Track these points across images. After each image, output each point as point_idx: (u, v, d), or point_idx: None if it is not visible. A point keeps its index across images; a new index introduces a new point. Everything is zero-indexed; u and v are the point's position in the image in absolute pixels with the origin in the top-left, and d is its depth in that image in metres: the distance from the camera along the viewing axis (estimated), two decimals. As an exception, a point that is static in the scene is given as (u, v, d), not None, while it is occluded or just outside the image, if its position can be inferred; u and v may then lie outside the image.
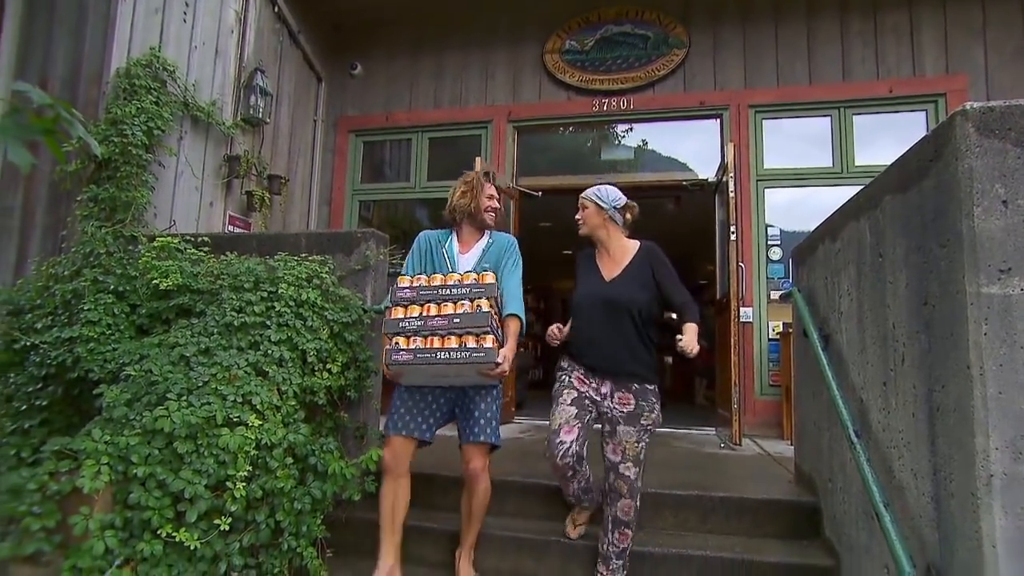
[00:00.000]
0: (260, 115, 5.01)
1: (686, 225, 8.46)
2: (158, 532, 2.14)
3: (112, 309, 3.05)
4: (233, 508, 2.27)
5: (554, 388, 2.66)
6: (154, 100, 3.83)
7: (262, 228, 5.09)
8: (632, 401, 2.51)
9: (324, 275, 3.20)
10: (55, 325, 3.05)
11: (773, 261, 5.25)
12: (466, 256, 2.74)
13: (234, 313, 2.86)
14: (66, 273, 3.24)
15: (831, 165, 5.32)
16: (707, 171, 5.61)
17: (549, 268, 10.81)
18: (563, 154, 6.16)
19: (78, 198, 3.60)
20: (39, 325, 3.09)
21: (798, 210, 5.32)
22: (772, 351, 5.08)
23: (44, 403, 3.01)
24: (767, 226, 5.31)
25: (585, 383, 2.59)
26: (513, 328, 2.56)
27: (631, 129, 5.95)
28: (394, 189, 6.28)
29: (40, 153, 3.92)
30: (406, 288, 2.53)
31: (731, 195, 4.53)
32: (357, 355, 3.19)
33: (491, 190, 2.80)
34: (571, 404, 2.54)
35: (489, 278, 2.48)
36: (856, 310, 2.35)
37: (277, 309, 2.93)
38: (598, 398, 2.57)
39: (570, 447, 2.47)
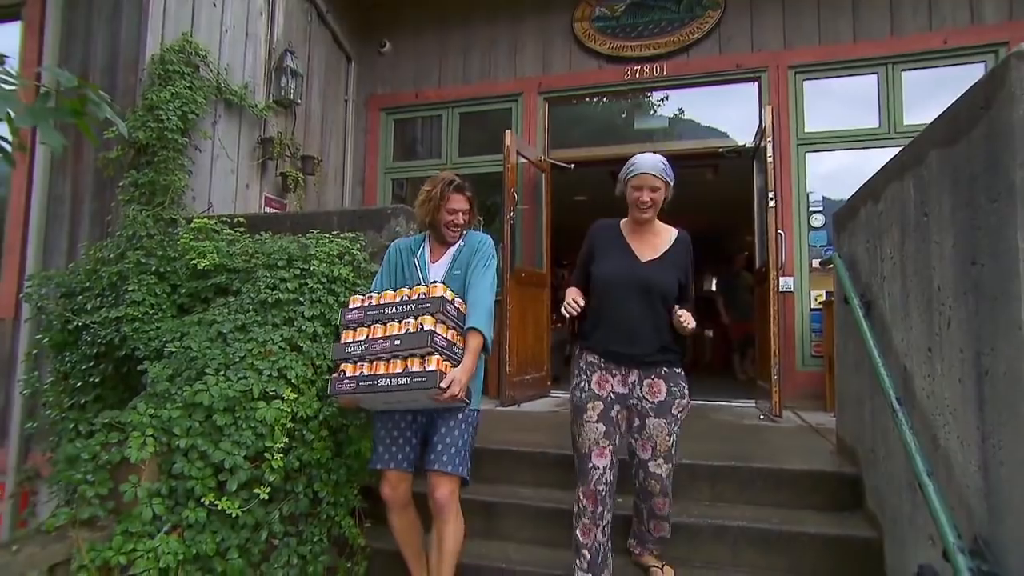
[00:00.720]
0: (291, 96, 5.06)
1: (725, 195, 8.22)
2: (201, 500, 2.23)
3: (154, 289, 3.15)
4: (272, 478, 2.34)
5: (572, 392, 2.41)
6: (187, 85, 3.90)
7: (297, 209, 5.17)
8: (663, 387, 2.33)
9: (355, 251, 3.24)
10: (103, 306, 3.18)
11: (815, 228, 5.05)
12: (436, 265, 2.49)
13: (268, 290, 2.92)
14: (111, 256, 3.37)
15: (877, 126, 5.06)
16: (746, 138, 5.41)
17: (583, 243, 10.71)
18: (595, 125, 6.04)
19: (120, 183, 3.71)
20: (89, 306, 3.22)
21: (844, 176, 5.09)
22: (815, 321, 4.92)
23: (97, 380, 3.15)
24: (808, 192, 5.10)
25: (608, 381, 2.36)
26: (472, 344, 2.22)
27: (666, 98, 5.78)
28: (426, 166, 6.28)
29: (85, 141, 4.06)
30: (355, 309, 2.32)
31: (769, 160, 4.36)
32: (389, 330, 3.22)
33: (457, 202, 2.45)
34: (599, 420, 2.31)
35: (437, 290, 2.23)
36: (899, 273, 2.24)
37: (310, 285, 2.98)
38: (624, 390, 2.36)
39: (604, 473, 2.28)
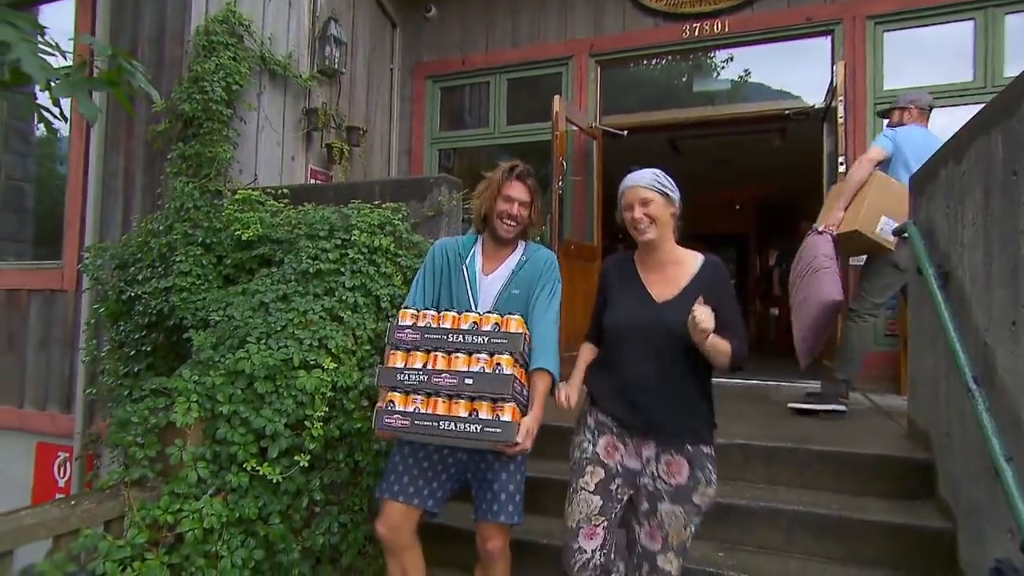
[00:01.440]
0: (336, 66, 5.13)
1: (792, 161, 7.87)
2: (244, 466, 2.34)
3: (201, 260, 3.29)
4: (312, 446, 2.42)
5: (572, 454, 2.05)
6: (231, 56, 4.00)
7: (343, 180, 5.27)
8: (684, 470, 1.90)
9: (397, 222, 3.29)
10: (153, 276, 3.35)
11: (892, 195, 4.76)
12: (490, 278, 2.19)
13: (310, 261, 3.00)
14: (161, 228, 3.54)
15: (971, 79, 4.69)
16: (817, 99, 5.14)
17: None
18: (651, 88, 5.85)
19: (168, 156, 3.87)
20: (140, 277, 3.41)
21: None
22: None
23: (149, 348, 3.34)
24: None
25: (617, 449, 1.98)
26: (541, 388, 2.02)
27: (730, 58, 5.53)
28: (473, 136, 6.27)
29: (134, 118, 4.24)
30: (408, 328, 2.04)
31: (840, 121, 4.13)
32: (431, 302, 3.26)
33: (516, 190, 2.17)
34: (595, 491, 1.93)
35: (515, 324, 1.99)
36: (981, 240, 2.08)
37: (351, 256, 3.04)
38: (635, 465, 1.96)
39: (592, 558, 1.89)
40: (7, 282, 4.70)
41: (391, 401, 1.98)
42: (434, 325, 2.03)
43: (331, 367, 2.59)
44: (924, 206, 2.79)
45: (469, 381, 1.92)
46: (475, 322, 2.02)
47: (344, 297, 2.92)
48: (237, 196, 3.48)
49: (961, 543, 2.30)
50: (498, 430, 1.87)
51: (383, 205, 3.40)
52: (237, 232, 3.27)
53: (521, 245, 2.27)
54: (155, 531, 2.18)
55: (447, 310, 2.07)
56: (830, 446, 2.88)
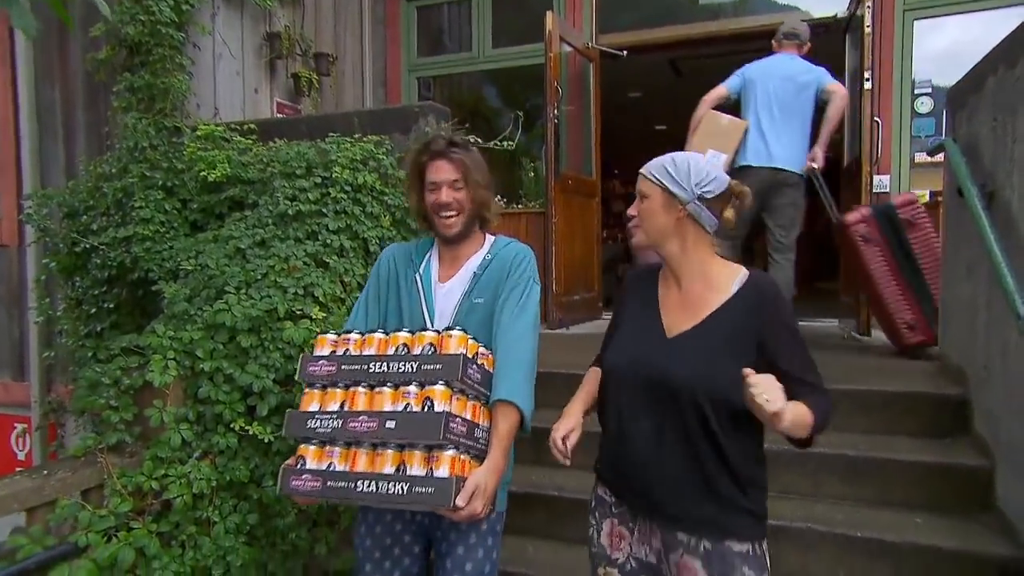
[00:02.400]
0: (297, -18, 4.88)
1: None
2: (231, 426, 2.32)
3: (163, 206, 3.19)
4: (304, 403, 2.40)
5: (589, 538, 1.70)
6: (179, -31, 3.78)
7: (314, 113, 5.10)
8: (699, 574, 1.46)
9: (381, 156, 3.20)
10: (110, 225, 3.25)
11: (921, 115, 4.72)
12: (447, 286, 1.85)
13: (287, 202, 2.92)
14: (114, 171, 3.40)
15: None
16: (837, 10, 5.01)
17: (639, 149, 10.42)
18: (652, 3, 5.68)
19: (114, 89, 3.70)
20: (95, 226, 3.30)
21: (963, 55, 4.61)
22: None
23: (111, 306, 3.27)
24: (913, 76, 4.73)
25: (623, 538, 1.61)
26: (503, 429, 1.62)
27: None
28: (455, 62, 6.07)
29: (69, 45, 4.03)
30: (323, 359, 1.67)
31: (867, 31, 4.03)
32: (422, 244, 3.22)
33: (436, 171, 1.78)
34: None
35: (454, 343, 1.61)
36: (1035, 154, 2.06)
37: (332, 195, 2.96)
38: (649, 557, 1.58)
39: None
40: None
41: (301, 457, 1.63)
42: (354, 352, 1.67)
43: (319, 317, 2.55)
44: (965, 120, 2.75)
45: (391, 424, 1.54)
46: (405, 344, 1.64)
47: (329, 241, 2.86)
48: (198, 133, 3.35)
49: (999, 481, 2.36)
50: (429, 489, 1.49)
51: (364, 139, 3.30)
52: (202, 173, 3.15)
53: (487, 241, 1.90)
54: (139, 499, 2.17)
55: (395, 331, 1.69)
56: (853, 384, 2.93)
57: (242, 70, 4.54)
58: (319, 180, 3.01)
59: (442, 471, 1.51)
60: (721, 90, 3.76)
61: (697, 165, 1.51)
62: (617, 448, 1.57)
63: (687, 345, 1.50)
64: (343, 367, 1.65)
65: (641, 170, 1.57)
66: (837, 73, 4.96)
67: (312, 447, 1.64)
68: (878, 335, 4.27)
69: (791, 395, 1.34)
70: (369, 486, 1.53)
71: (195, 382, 2.37)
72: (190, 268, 2.72)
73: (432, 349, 1.62)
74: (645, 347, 1.55)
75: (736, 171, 3.57)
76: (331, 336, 1.73)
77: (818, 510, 2.58)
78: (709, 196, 1.49)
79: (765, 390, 1.27)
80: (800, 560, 2.47)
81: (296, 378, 1.65)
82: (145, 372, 2.28)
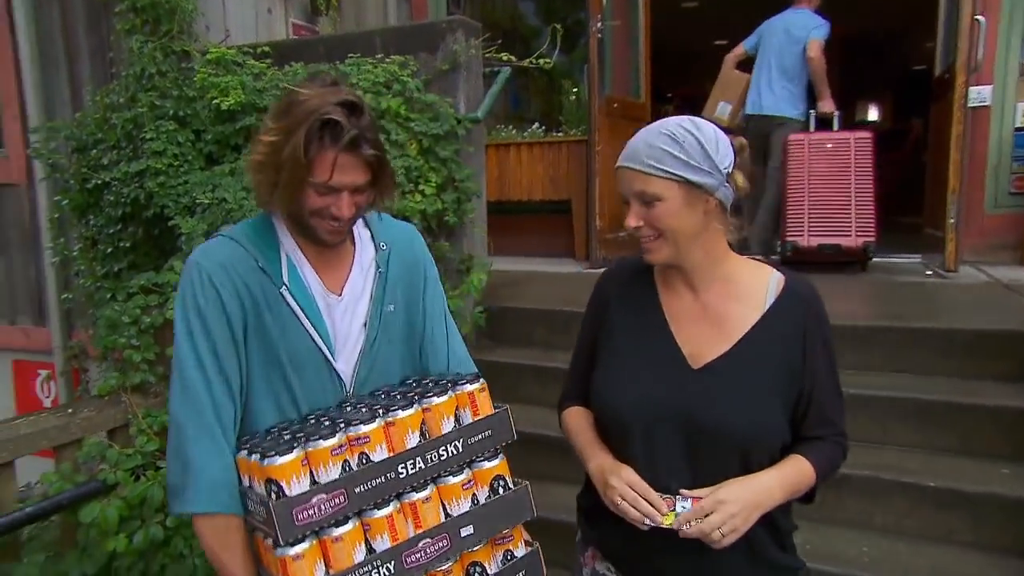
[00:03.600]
0: None
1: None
2: (255, 364, 2.44)
3: (175, 137, 3.28)
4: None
5: None
6: None
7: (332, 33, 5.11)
8: None
9: (406, 78, 3.22)
10: (121, 160, 3.36)
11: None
12: (345, 298, 1.37)
13: (306, 130, 2.97)
14: (121, 100, 3.50)
15: None
16: None
17: (696, 67, 10.10)
18: None
19: (116, 9, 3.75)
20: (106, 160, 3.42)
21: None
22: (1018, 146, 4.49)
23: (128, 245, 3.41)
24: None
25: None
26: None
27: None
28: (485, -29, 5.97)
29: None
30: (317, 494, 1.14)
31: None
32: (453, 174, 3.27)
33: (339, 172, 1.21)
34: None
35: (476, 395, 1.30)
36: None
37: (353, 122, 3.00)
38: None
39: None
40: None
41: None
42: (369, 459, 1.21)
43: (344, 252, 2.63)
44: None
45: (468, 531, 1.27)
46: (422, 425, 1.27)
47: (351, 171, 2.91)
48: (208, 57, 3.40)
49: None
50: (521, 572, 1.34)
51: (387, 59, 3.31)
52: (215, 101, 3.22)
53: (359, 226, 1.43)
54: (164, 438, 2.32)
55: (306, 419, 1.29)
56: (935, 323, 2.90)
57: (253, -13, 4.55)
58: (340, 105, 3.04)
59: (520, 548, 1.34)
60: (739, 49, 4.66)
61: (704, 131, 1.25)
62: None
63: (724, 380, 1.27)
64: (358, 489, 1.19)
65: (628, 165, 1.26)
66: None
67: None
68: (966, 271, 4.19)
69: (801, 437, 1.30)
70: None
71: (217, 320, 2.49)
72: (207, 202, 2.82)
73: (469, 419, 1.30)
74: (663, 381, 1.30)
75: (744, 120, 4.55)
76: (257, 459, 1.16)
77: (886, 457, 2.61)
78: (732, 168, 1.26)
79: (714, 527, 1.18)
80: (864, 510, 2.52)
81: (283, 541, 1.12)
82: (164, 311, 2.40)
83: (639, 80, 5.36)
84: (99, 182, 3.42)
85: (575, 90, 5.71)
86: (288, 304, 1.29)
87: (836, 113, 4.43)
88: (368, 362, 1.37)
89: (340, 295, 1.35)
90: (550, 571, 1.38)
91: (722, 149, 1.24)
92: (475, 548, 1.29)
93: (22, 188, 4.48)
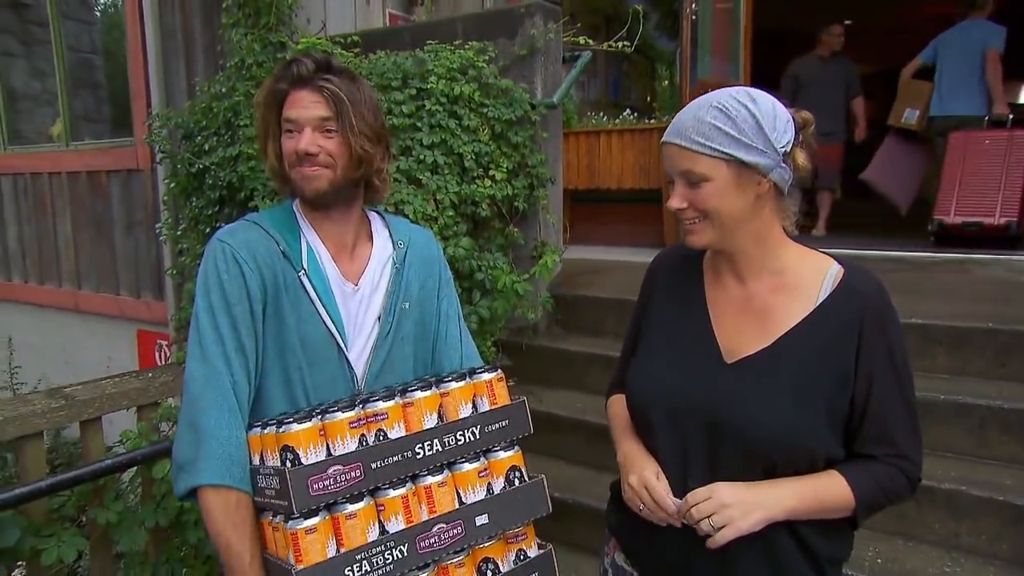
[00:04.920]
0: None
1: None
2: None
3: (267, 123, 3.41)
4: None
5: None
6: None
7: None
8: None
9: (481, 64, 3.20)
10: (220, 145, 3.53)
11: None
12: (361, 288, 1.37)
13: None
14: (224, 90, 3.68)
15: None
16: None
17: (799, 52, 9.52)
18: None
19: (223, 5, 3.95)
20: (207, 147, 3.61)
21: None
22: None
23: (223, 225, 3.59)
24: None
25: None
26: None
27: None
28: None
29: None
30: (332, 464, 1.12)
31: None
32: (525, 159, 3.23)
33: (296, 104, 1.28)
34: None
35: (492, 384, 1.30)
36: None
37: (427, 108, 3.02)
38: None
39: None
40: (86, 163, 5.21)
41: None
42: (386, 436, 1.19)
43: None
44: None
45: (483, 520, 1.22)
46: (438, 409, 1.25)
47: (422, 156, 2.93)
48: (299, 47, 3.51)
49: None
50: (535, 574, 1.30)
51: (466, 45, 3.30)
52: (302, 88, 3.33)
53: (374, 219, 1.46)
54: (236, 407, 2.43)
55: (313, 412, 1.19)
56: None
57: (353, -20, 4.67)
58: (414, 92, 3.07)
59: (533, 549, 1.30)
60: (916, 61, 5.03)
61: (761, 106, 1.11)
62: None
63: (757, 378, 1.16)
64: (375, 464, 1.16)
65: (674, 140, 1.14)
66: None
67: None
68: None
69: (855, 453, 1.16)
70: None
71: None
72: (284, 185, 2.91)
73: (485, 405, 1.28)
74: (693, 375, 1.21)
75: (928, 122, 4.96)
76: (271, 429, 1.17)
77: (980, 472, 2.38)
78: (791, 147, 1.12)
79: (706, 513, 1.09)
80: (948, 527, 2.29)
81: (296, 512, 1.09)
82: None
83: (738, 63, 5.09)
84: (201, 166, 3.62)
85: (668, 73, 5.52)
86: (305, 290, 1.29)
87: (1009, 116, 4.69)
88: (380, 356, 1.35)
89: (357, 285, 1.35)
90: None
91: (780, 125, 1.11)
92: (489, 542, 1.25)
93: (146, 173, 4.83)
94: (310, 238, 1.34)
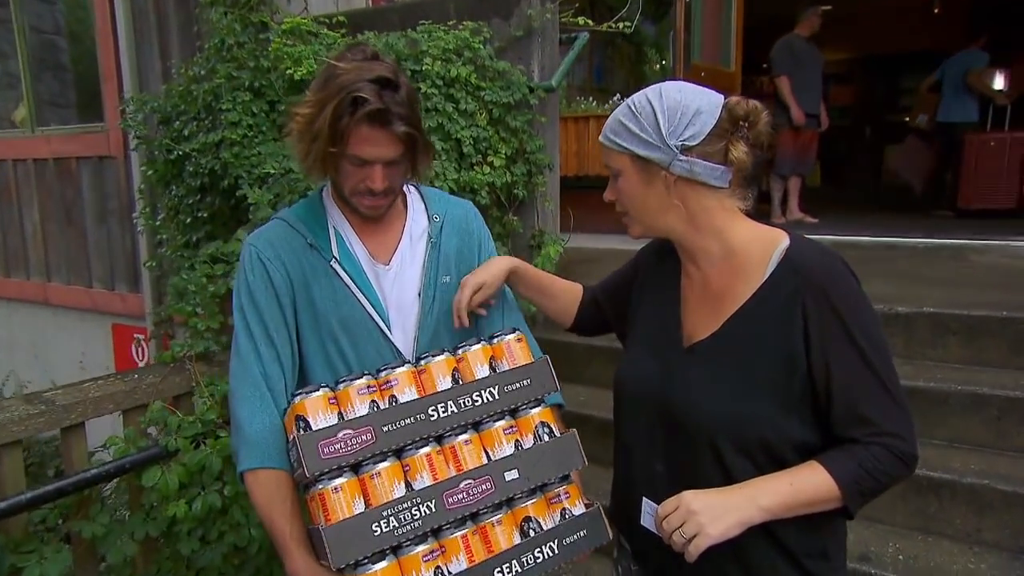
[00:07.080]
0: None
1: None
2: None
3: (250, 108, 3.23)
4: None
5: None
6: None
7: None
8: None
9: (477, 45, 3.08)
10: (200, 131, 3.35)
11: None
12: (394, 267, 1.37)
13: (374, 99, 2.87)
14: (203, 72, 3.48)
15: None
16: None
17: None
18: None
19: (200, -18, 3.76)
20: (187, 132, 3.42)
21: None
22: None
23: (205, 215, 3.41)
24: None
25: None
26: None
27: None
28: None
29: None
30: (344, 428, 1.15)
31: None
32: (524, 145, 3.12)
33: (368, 144, 1.22)
34: None
35: (515, 347, 1.32)
36: None
37: (423, 91, 2.90)
38: None
39: None
40: (53, 150, 4.96)
41: None
42: (397, 399, 1.21)
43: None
44: None
45: (513, 475, 1.21)
46: (455, 372, 1.26)
47: (419, 142, 2.80)
48: (283, 27, 3.34)
49: None
50: (581, 532, 1.25)
51: (459, 25, 3.16)
52: (288, 71, 3.15)
53: (411, 191, 1.46)
54: (225, 407, 2.28)
55: (348, 379, 1.22)
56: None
57: (334, -42, 4.48)
58: (408, 74, 2.92)
59: (578, 507, 1.28)
60: (931, 79, 6.38)
61: (666, 101, 1.10)
62: (625, 499, 1.26)
63: (703, 362, 1.13)
64: (387, 428, 1.16)
65: (601, 136, 1.19)
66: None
67: (385, 565, 1.11)
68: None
69: (837, 438, 1.07)
70: (510, 572, 1.18)
71: (279, 291, 2.43)
72: (273, 171, 2.76)
73: (506, 365, 1.29)
74: (656, 361, 1.21)
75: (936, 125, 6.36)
76: (306, 394, 1.19)
77: (1001, 464, 2.32)
78: (695, 143, 1.09)
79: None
80: (971, 522, 2.23)
81: (309, 474, 1.11)
82: (228, 280, 2.36)
83: (730, 47, 5.01)
84: (180, 153, 3.43)
85: (662, 61, 5.42)
86: (339, 276, 1.33)
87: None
88: (427, 332, 1.37)
89: (388, 264, 1.37)
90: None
91: (684, 120, 1.09)
92: (528, 500, 1.24)
93: (119, 160, 4.61)
94: (338, 223, 1.37)
